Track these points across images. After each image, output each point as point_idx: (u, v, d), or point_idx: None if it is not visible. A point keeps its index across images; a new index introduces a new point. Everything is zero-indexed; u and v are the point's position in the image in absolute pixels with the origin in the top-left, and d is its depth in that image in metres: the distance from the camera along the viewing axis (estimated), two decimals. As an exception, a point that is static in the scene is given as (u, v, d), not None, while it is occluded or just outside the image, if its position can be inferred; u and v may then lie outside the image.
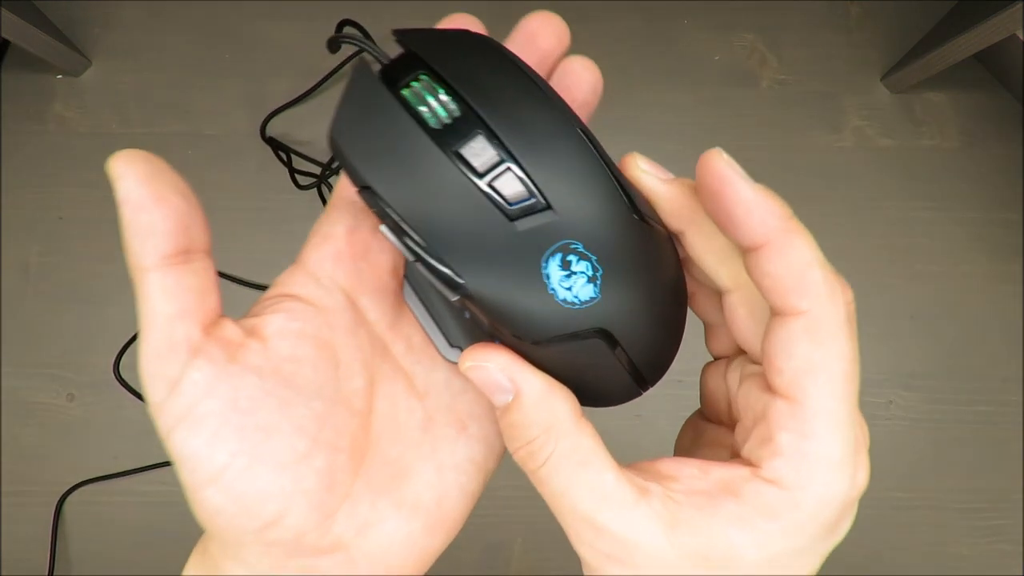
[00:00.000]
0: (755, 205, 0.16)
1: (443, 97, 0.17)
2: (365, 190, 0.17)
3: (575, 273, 0.17)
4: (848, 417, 0.17)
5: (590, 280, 0.17)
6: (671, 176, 0.19)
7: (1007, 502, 0.75)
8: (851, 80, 0.84)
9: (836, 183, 0.81)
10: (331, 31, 0.78)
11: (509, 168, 0.17)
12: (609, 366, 0.19)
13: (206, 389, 0.18)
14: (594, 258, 0.17)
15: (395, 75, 0.18)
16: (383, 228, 0.18)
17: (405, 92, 0.17)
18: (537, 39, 0.21)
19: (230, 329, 0.19)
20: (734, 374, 0.21)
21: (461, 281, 0.17)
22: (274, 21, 0.84)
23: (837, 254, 0.79)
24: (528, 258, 0.17)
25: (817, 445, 0.17)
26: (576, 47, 0.20)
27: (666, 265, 0.19)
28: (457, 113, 0.17)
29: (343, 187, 0.21)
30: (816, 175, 0.81)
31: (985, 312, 0.79)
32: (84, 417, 0.76)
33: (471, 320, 0.20)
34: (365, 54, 0.19)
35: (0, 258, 0.79)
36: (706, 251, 0.19)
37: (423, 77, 0.18)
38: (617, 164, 0.19)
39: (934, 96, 0.83)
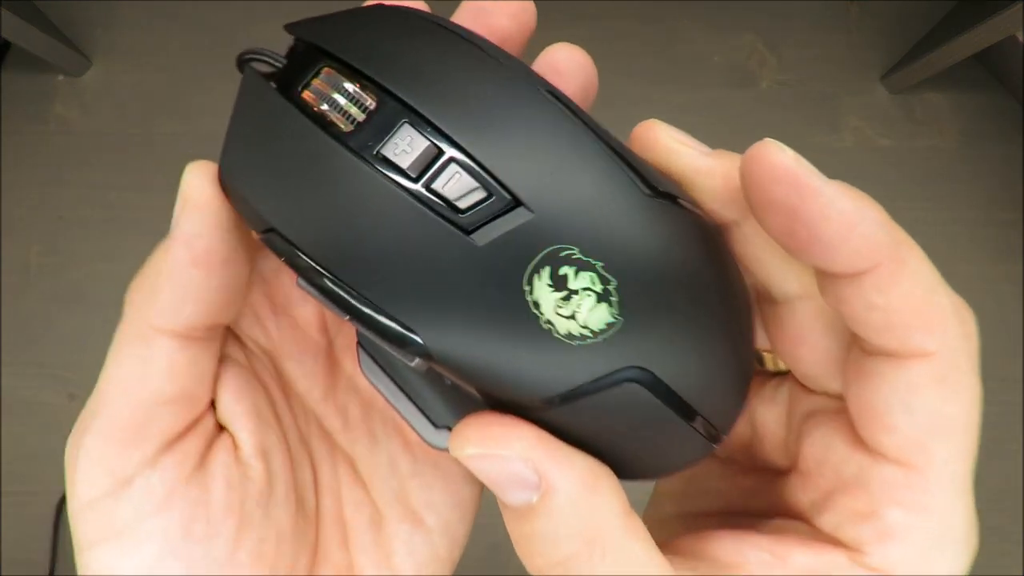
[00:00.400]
0: (855, 220, 0.12)
1: (350, 88, 0.13)
2: (268, 234, 0.13)
3: (576, 292, 0.12)
4: (970, 474, 0.13)
5: (602, 298, 0.12)
6: (709, 149, 0.15)
7: (1007, 502, 0.75)
8: (851, 80, 0.84)
9: (836, 183, 0.81)
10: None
11: (451, 159, 0.12)
12: (659, 418, 0.13)
13: (161, 503, 0.14)
14: (599, 264, 0.12)
15: (293, 77, 0.14)
16: (301, 282, 0.13)
17: (305, 93, 0.13)
18: (488, 17, 0.15)
19: (210, 421, 0.15)
20: (772, 406, 0.16)
21: (415, 337, 0.12)
22: (274, 21, 0.84)
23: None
24: (503, 283, 0.12)
25: (941, 521, 0.13)
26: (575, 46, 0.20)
27: (713, 258, 0.14)
28: (372, 105, 0.13)
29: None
30: (816, 175, 0.82)
31: (985, 312, 0.79)
32: (84, 417, 0.76)
33: (456, 387, 0.15)
34: (254, 63, 0.15)
35: (0, 258, 0.79)
36: (769, 247, 0.14)
37: (325, 70, 0.13)
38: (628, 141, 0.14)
39: (933, 96, 0.84)
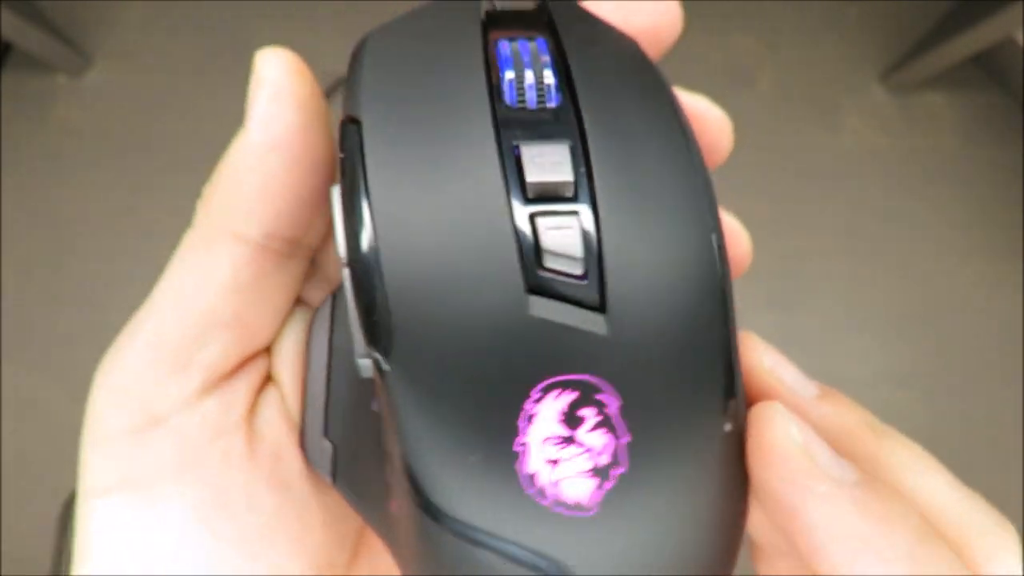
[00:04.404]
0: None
1: (545, 73, 0.11)
2: (350, 123, 0.11)
3: (578, 446, 0.10)
4: None
5: (598, 471, 0.10)
6: (816, 388, 0.13)
7: (1007, 502, 0.75)
8: (849, 81, 0.84)
9: (834, 184, 0.81)
10: (332, 31, 0.77)
11: (577, 213, 0.10)
12: None
13: (196, 455, 0.11)
14: (626, 438, 0.10)
15: (503, 20, 0.13)
16: (335, 190, 0.11)
17: (502, 42, 0.12)
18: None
19: (263, 366, 0.13)
20: None
21: (385, 367, 0.10)
22: (274, 21, 0.84)
23: (835, 255, 0.80)
24: (509, 385, 0.10)
25: None
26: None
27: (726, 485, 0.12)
28: (552, 102, 0.11)
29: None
30: (814, 175, 0.82)
31: (985, 312, 0.79)
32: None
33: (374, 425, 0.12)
34: None
35: (0, 258, 0.79)
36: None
37: (538, 38, 0.12)
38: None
39: (933, 97, 0.84)
